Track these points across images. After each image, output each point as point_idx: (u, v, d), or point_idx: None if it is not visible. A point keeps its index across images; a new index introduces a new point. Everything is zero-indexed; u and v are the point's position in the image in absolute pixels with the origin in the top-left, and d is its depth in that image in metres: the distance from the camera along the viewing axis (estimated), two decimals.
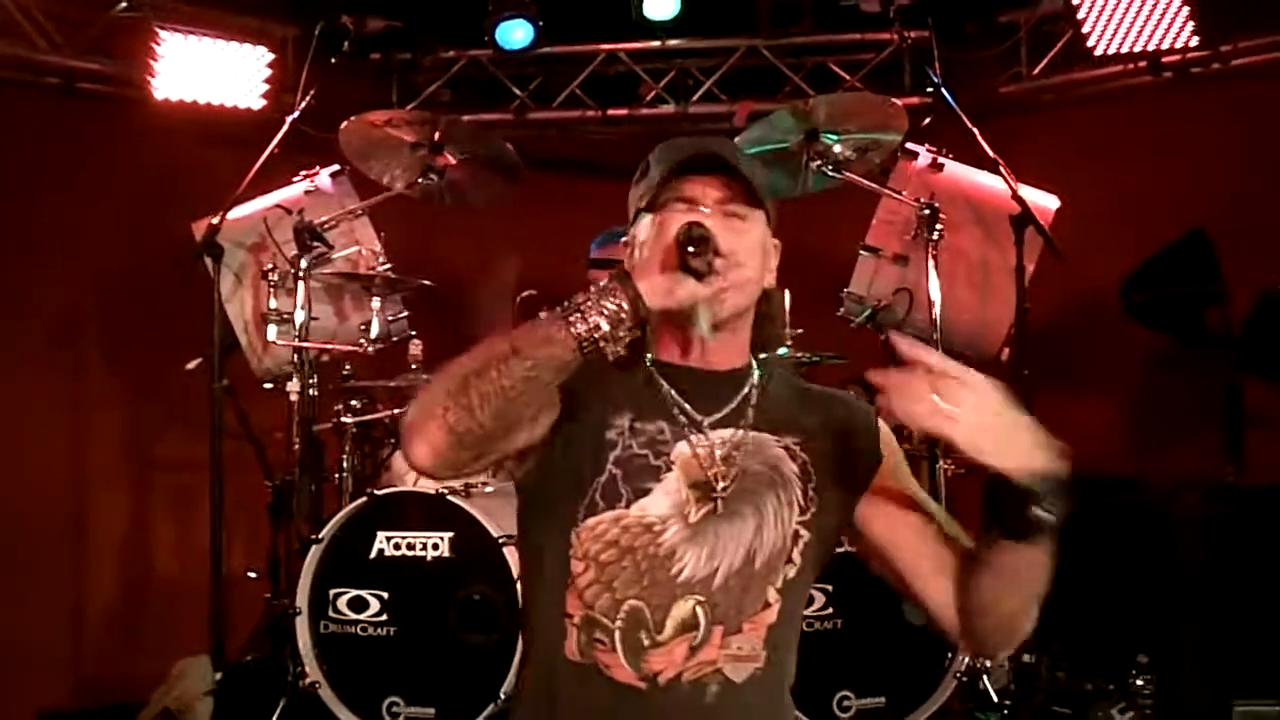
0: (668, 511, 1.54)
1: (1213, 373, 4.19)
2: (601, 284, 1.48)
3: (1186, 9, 4.35)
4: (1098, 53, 4.51)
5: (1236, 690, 3.39)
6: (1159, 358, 4.61)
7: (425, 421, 1.44)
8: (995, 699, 3.37)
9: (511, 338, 1.46)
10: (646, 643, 1.51)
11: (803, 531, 1.59)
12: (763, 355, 1.69)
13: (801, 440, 1.62)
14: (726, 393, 1.62)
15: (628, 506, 1.53)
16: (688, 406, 1.60)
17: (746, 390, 1.63)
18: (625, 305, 1.46)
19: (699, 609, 1.52)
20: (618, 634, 1.51)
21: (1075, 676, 3.60)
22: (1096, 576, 3.92)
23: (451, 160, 3.94)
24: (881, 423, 1.66)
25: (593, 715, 1.51)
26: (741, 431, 1.60)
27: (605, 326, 1.44)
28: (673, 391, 1.60)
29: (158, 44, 4.40)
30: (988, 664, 3.37)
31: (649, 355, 1.64)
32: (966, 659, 3.19)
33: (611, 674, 1.50)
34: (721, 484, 1.55)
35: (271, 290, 3.72)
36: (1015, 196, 3.58)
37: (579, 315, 1.45)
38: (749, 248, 1.58)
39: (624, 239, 1.68)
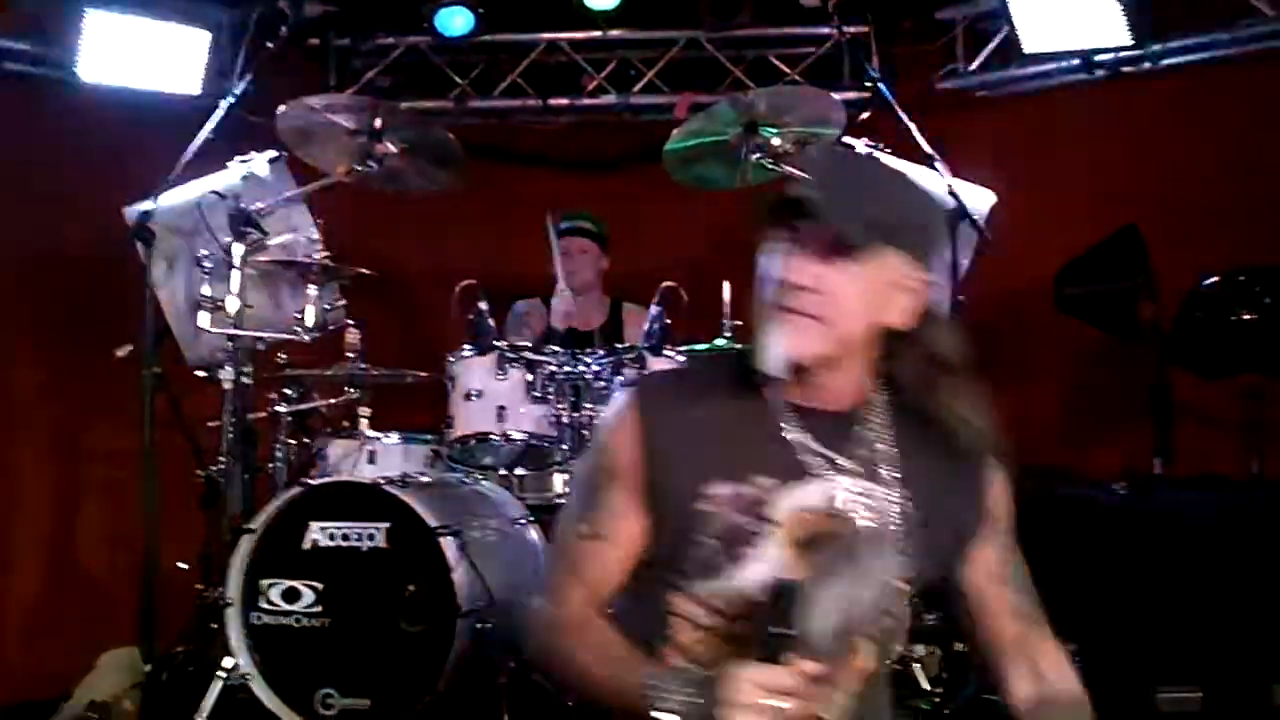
0: (766, 577, 1.52)
1: (1142, 366, 4.27)
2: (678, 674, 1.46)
3: (1120, 7, 4.41)
4: (1029, 50, 4.54)
5: (1160, 677, 3.47)
6: (1091, 351, 4.69)
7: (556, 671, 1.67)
8: (927, 687, 3.42)
9: (614, 694, 1.52)
10: None
11: (904, 586, 1.58)
12: (894, 385, 1.63)
13: (916, 494, 1.59)
14: (842, 436, 1.60)
15: (725, 577, 1.54)
16: (805, 453, 1.58)
17: (864, 431, 1.61)
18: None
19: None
20: None
21: None
22: (1027, 565, 3.99)
23: (390, 148, 3.90)
24: (998, 475, 1.66)
25: None
26: (852, 480, 1.58)
27: None
28: (790, 435, 1.58)
29: (87, 24, 4.30)
30: (920, 653, 3.42)
31: (775, 391, 1.60)
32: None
33: None
34: (823, 543, 1.52)
35: (205, 277, 3.67)
36: (951, 191, 3.62)
37: (654, 701, 1.45)
38: (844, 291, 1.53)
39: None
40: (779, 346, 1.53)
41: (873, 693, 1.60)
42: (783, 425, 1.58)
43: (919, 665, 3.42)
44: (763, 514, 1.53)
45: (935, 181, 3.67)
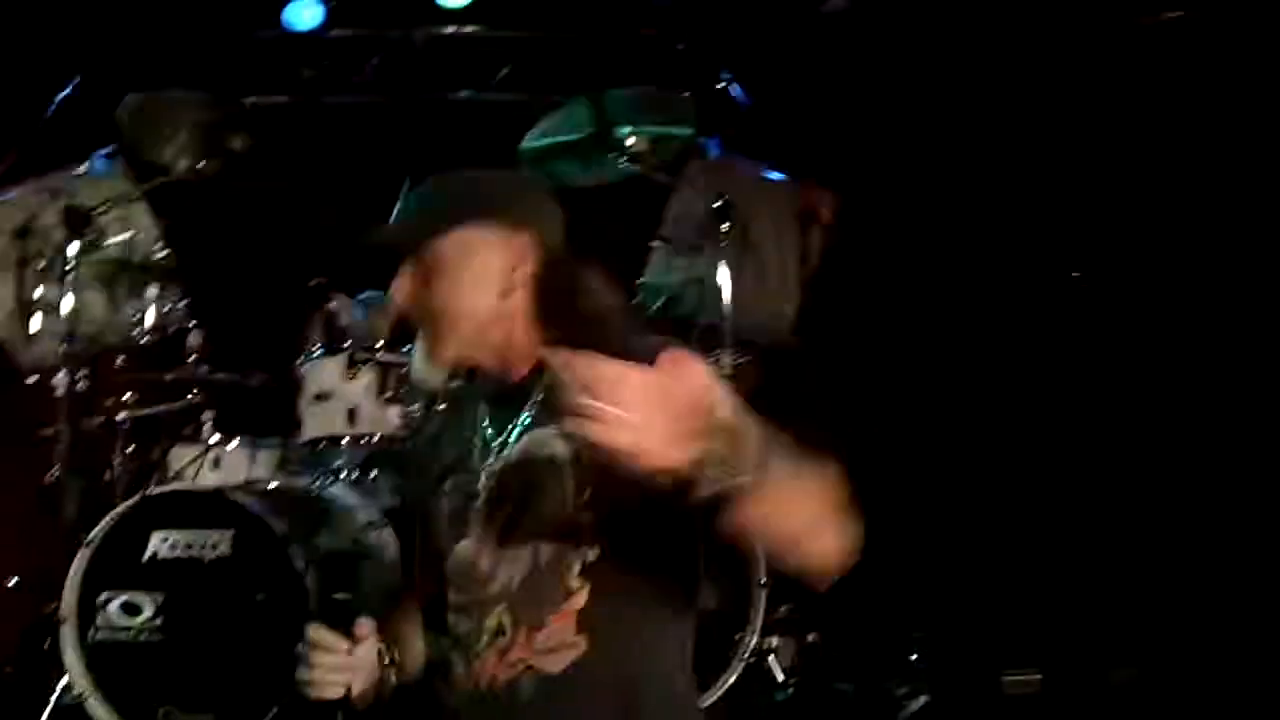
0: (478, 541, 1.67)
1: None
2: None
3: None
4: None
5: (1005, 661, 3.62)
6: None
7: None
8: (781, 679, 3.47)
9: None
10: (472, 657, 1.66)
11: (590, 514, 1.60)
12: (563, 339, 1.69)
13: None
14: (524, 399, 1.70)
15: (453, 553, 1.71)
16: (496, 428, 1.72)
17: (540, 388, 1.69)
18: None
19: (504, 616, 1.64)
20: (456, 654, 1.70)
21: (857, 654, 3.75)
22: (874, 560, 4.11)
23: (236, 144, 3.79)
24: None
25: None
26: (534, 434, 1.66)
27: None
28: (484, 418, 1.74)
29: None
30: (774, 645, 3.48)
31: (476, 385, 1.78)
32: (753, 640, 3.28)
33: (455, 686, 1.70)
34: (506, 498, 1.66)
35: (37, 278, 3.51)
36: (803, 192, 3.70)
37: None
38: (433, 287, 1.66)
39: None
40: (427, 363, 1.76)
41: (607, 629, 1.60)
42: (479, 411, 1.75)
43: (773, 657, 3.47)
44: (471, 490, 1.70)
45: (789, 181, 3.75)
